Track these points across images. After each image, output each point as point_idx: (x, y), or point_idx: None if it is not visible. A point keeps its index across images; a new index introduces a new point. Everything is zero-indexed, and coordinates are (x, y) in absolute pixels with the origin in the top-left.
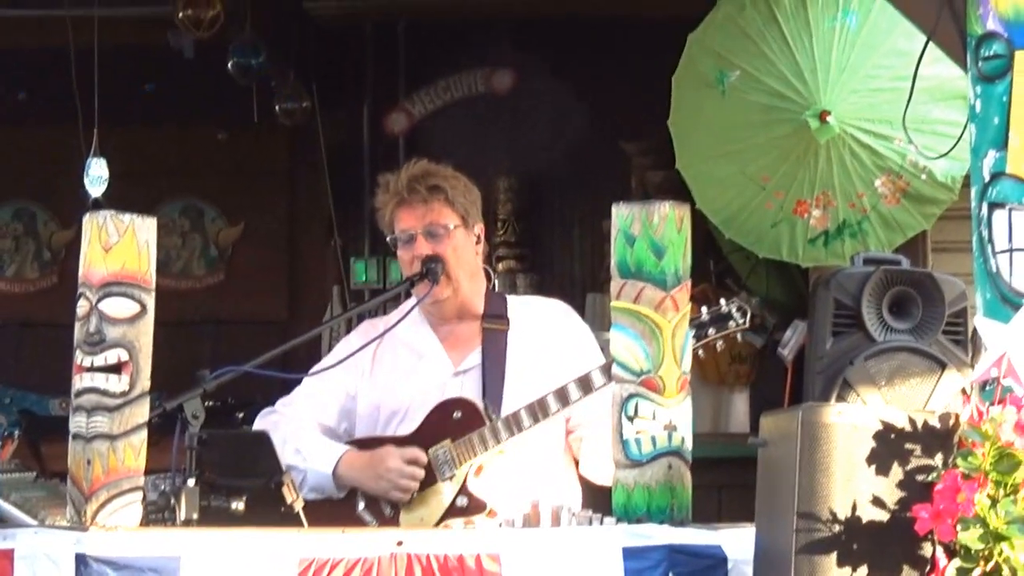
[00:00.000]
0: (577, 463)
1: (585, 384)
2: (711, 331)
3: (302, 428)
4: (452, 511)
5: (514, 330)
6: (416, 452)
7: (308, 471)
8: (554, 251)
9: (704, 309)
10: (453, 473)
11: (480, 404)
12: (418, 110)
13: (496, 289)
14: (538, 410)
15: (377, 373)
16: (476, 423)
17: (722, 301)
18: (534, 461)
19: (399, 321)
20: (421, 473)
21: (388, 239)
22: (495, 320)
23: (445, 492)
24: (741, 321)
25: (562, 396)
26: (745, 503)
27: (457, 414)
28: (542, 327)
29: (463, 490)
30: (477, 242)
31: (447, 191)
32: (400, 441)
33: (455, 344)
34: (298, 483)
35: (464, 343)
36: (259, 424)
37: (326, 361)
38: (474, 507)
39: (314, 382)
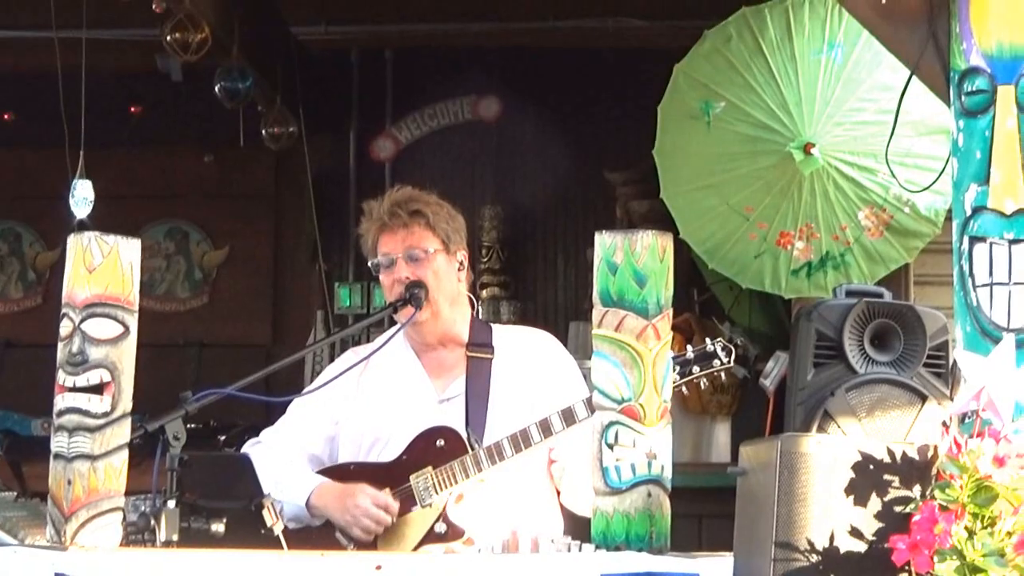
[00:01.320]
0: (559, 493)
1: (568, 416)
2: (695, 369)
3: (283, 458)
4: (430, 537)
5: (499, 359)
6: (388, 500)
7: (285, 502)
8: (538, 279)
9: (689, 347)
10: (433, 500)
11: (464, 433)
12: (404, 136)
13: (480, 316)
14: (520, 441)
15: (361, 399)
16: (459, 451)
17: (707, 340)
18: (515, 490)
19: (383, 345)
20: (387, 520)
21: (370, 264)
22: (480, 348)
23: (424, 518)
24: (726, 360)
25: (545, 427)
26: (725, 533)
27: (440, 442)
28: (527, 357)
29: (442, 517)
30: (460, 268)
31: (428, 216)
32: (383, 468)
33: (439, 372)
34: (278, 512)
35: (448, 371)
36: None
37: (312, 388)
38: (452, 534)
39: (299, 410)
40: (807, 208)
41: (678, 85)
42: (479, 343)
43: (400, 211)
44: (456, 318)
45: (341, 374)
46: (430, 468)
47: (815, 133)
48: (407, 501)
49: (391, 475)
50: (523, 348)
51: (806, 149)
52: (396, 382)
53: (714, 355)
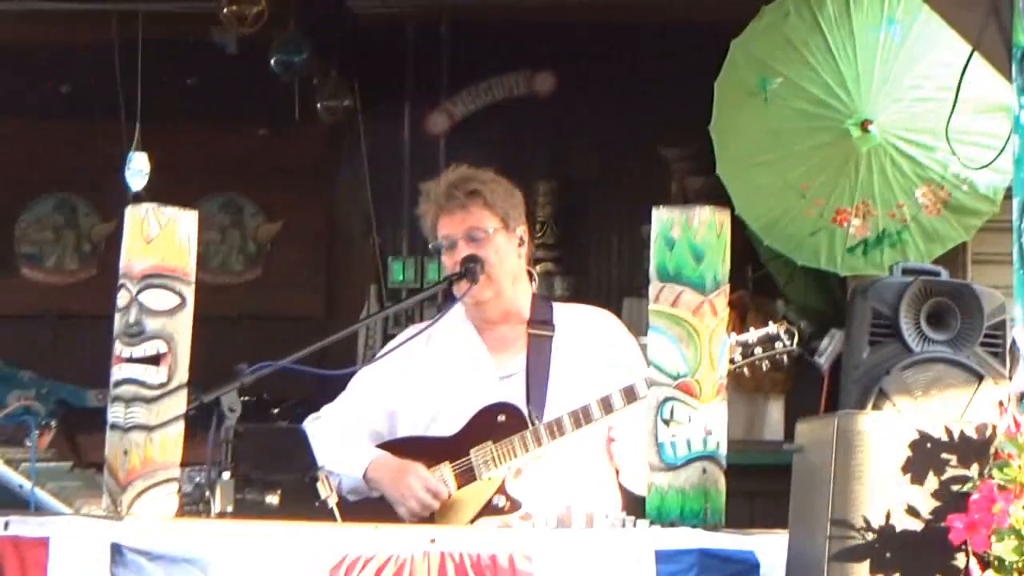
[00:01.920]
0: (618, 472)
1: (630, 394)
2: (757, 351)
3: (343, 433)
4: (488, 510)
5: (559, 337)
6: (438, 486)
7: (343, 475)
8: (592, 255)
9: (751, 329)
10: (491, 474)
11: (524, 409)
12: (459, 110)
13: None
14: (581, 417)
15: (422, 375)
16: (519, 427)
17: (770, 322)
18: (573, 467)
19: (438, 318)
20: (434, 505)
21: (431, 246)
22: (541, 326)
23: (483, 492)
24: (788, 343)
25: (606, 405)
26: (778, 512)
27: (501, 417)
28: (588, 336)
29: (501, 490)
30: (520, 244)
31: (485, 195)
32: (443, 442)
33: (500, 348)
34: (336, 486)
35: (509, 347)
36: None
37: (372, 365)
38: (511, 508)
39: (358, 386)
40: (864, 185)
41: (735, 61)
42: (540, 320)
43: (457, 192)
44: (518, 295)
45: (402, 344)
46: (490, 443)
47: (873, 110)
48: (466, 474)
49: (451, 449)
50: (584, 327)
51: (863, 126)
52: (457, 358)
53: (776, 337)
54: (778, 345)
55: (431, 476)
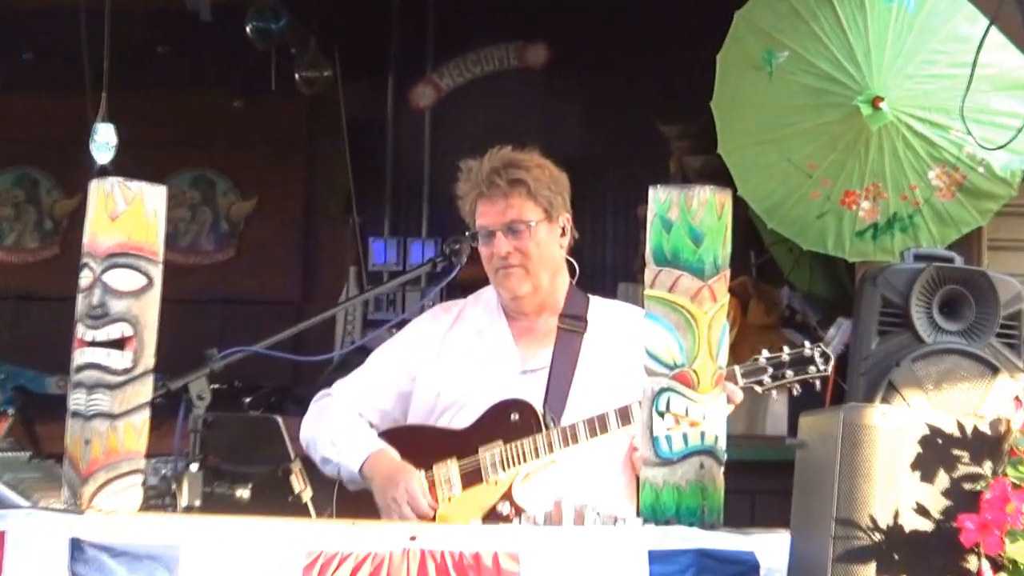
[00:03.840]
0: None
1: None
2: (788, 373)
3: (348, 415)
4: (492, 516)
5: (591, 334)
6: (424, 508)
7: (341, 464)
8: (585, 237)
9: (786, 348)
10: (499, 477)
11: (540, 409)
12: (446, 83)
13: (575, 278)
14: (597, 426)
15: (444, 359)
16: (533, 428)
17: (805, 343)
18: (587, 475)
19: (467, 301)
20: (427, 504)
21: (468, 233)
22: (573, 321)
23: (489, 495)
24: (823, 368)
25: (624, 415)
26: (780, 510)
27: (515, 416)
28: (620, 336)
29: (507, 496)
30: (562, 234)
31: (529, 183)
32: (453, 435)
33: (529, 340)
34: (335, 474)
35: (537, 340)
36: (312, 408)
37: (393, 342)
38: (516, 516)
39: (375, 363)
40: (874, 166)
41: (739, 33)
42: (573, 315)
43: (499, 179)
44: (556, 287)
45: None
46: (500, 442)
47: (884, 86)
48: (472, 475)
49: (460, 443)
50: (618, 326)
51: (874, 103)
52: (480, 345)
53: (811, 360)
54: (811, 369)
55: (420, 495)
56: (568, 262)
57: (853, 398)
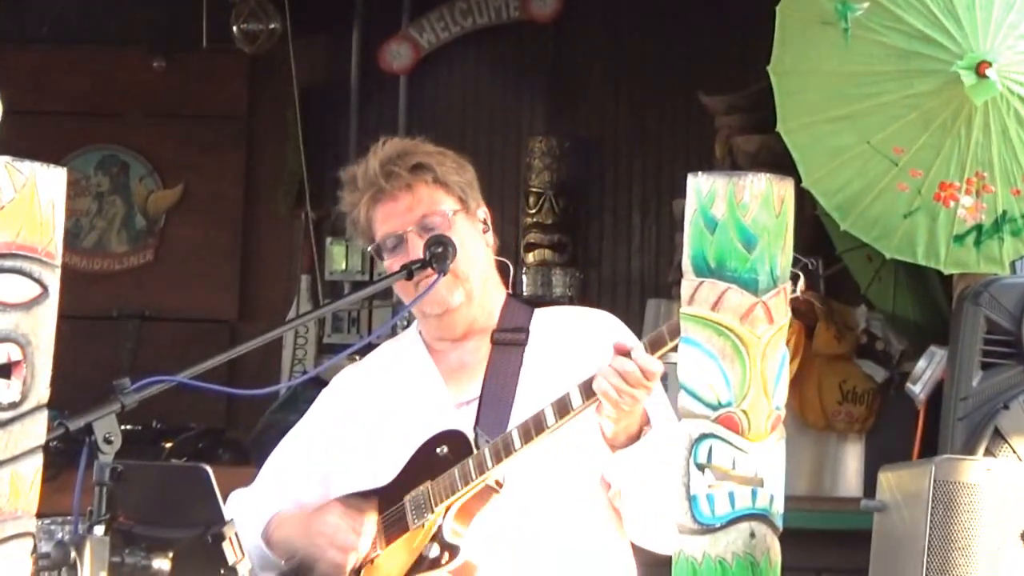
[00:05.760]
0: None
1: (587, 389)
2: None
3: (261, 516)
4: (421, 565)
5: (533, 346)
6: (364, 515)
7: (248, 551)
8: (605, 239)
9: None
10: (426, 519)
11: (471, 434)
12: (427, 40)
13: (523, 289)
14: (532, 428)
15: (359, 421)
16: (463, 455)
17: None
18: (546, 499)
19: (370, 340)
20: (367, 528)
21: (369, 250)
22: (511, 334)
23: (414, 542)
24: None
25: (561, 407)
26: None
27: (442, 450)
28: (570, 340)
29: (435, 537)
30: (484, 230)
31: (435, 168)
32: (375, 494)
33: (458, 371)
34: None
35: (471, 368)
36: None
37: (298, 426)
38: (448, 557)
39: (281, 454)
40: (978, 151)
41: None
42: (510, 327)
43: (397, 168)
44: (489, 297)
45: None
46: (428, 482)
47: (992, 48)
48: (395, 526)
49: (385, 501)
50: (566, 330)
51: (979, 70)
52: (404, 390)
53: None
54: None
55: (349, 509)
56: (500, 264)
57: (948, 449)
